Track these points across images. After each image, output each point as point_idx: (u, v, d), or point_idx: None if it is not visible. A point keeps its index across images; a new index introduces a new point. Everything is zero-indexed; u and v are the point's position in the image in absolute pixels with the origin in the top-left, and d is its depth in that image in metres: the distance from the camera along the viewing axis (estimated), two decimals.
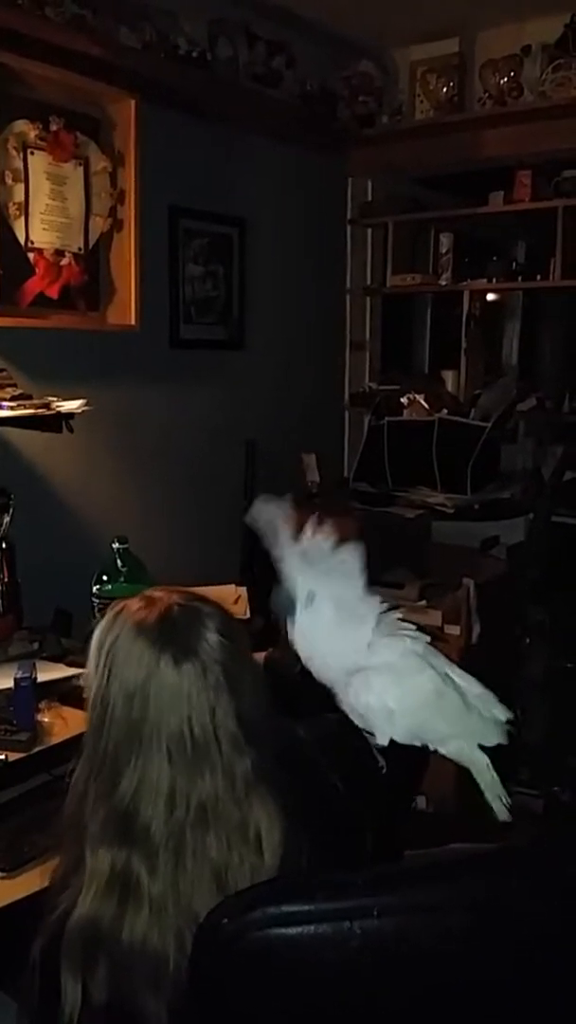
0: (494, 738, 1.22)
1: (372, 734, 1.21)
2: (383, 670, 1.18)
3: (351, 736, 1.24)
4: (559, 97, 2.91)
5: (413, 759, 1.30)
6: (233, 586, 2.56)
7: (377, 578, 2.97)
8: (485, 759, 1.21)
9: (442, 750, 1.23)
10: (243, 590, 2.53)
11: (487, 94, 3.12)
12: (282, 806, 0.99)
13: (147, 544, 2.53)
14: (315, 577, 1.21)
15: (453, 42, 3.19)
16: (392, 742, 1.21)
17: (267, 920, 0.82)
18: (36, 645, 1.97)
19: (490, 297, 4.00)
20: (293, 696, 1.38)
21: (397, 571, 2.93)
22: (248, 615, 2.43)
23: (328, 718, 1.25)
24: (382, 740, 1.21)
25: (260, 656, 1.42)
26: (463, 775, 2.73)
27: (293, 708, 1.21)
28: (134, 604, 1.05)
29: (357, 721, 1.21)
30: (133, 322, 2.50)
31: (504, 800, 1.21)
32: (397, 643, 1.21)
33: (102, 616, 1.76)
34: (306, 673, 1.35)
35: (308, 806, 1.02)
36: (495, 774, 1.22)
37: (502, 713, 1.23)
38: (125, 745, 0.99)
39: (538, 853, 0.92)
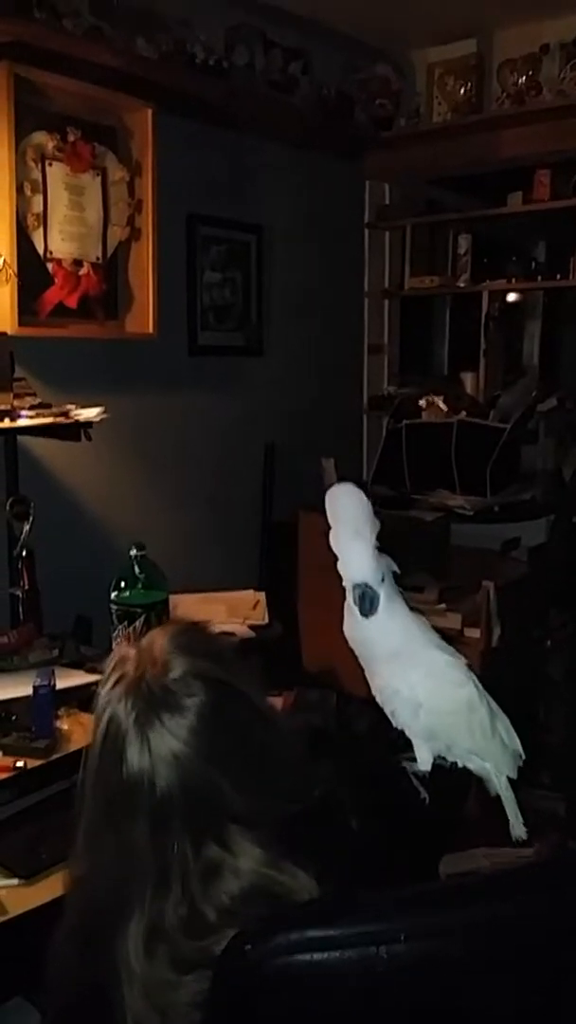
0: (510, 770, 1.22)
1: (411, 758, 1.21)
2: (424, 666, 1.19)
3: (389, 769, 1.21)
4: None
5: (456, 788, 1.27)
6: (252, 591, 2.58)
7: (398, 581, 2.98)
8: (506, 782, 1.22)
9: (460, 764, 1.24)
10: (262, 595, 2.55)
11: (505, 94, 3.11)
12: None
13: (167, 550, 2.54)
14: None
15: (470, 43, 3.18)
16: (435, 770, 1.20)
17: (290, 946, 0.80)
18: (56, 652, 1.99)
19: (511, 298, 3.99)
20: (328, 731, 1.37)
21: (417, 574, 2.92)
22: (267, 620, 2.44)
23: (365, 747, 1.23)
24: (396, 723, 1.21)
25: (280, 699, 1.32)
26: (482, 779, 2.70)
27: (329, 743, 1.19)
28: (125, 672, 0.96)
29: (379, 701, 1.21)
30: (151, 330, 2.52)
31: (519, 819, 1.22)
32: (446, 652, 1.22)
33: (120, 623, 1.80)
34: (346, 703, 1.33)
35: (328, 859, 0.94)
36: (511, 794, 1.23)
37: (519, 749, 1.24)
38: (86, 844, 0.94)
39: (559, 871, 0.91)
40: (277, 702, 1.28)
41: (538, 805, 2.83)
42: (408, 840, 1.13)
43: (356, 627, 1.19)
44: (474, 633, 2.70)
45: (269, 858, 0.91)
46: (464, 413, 3.10)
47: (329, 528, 1.18)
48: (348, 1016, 0.82)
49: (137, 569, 1.81)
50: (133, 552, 1.82)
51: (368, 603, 1.15)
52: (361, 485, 3.50)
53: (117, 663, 0.97)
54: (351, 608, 1.17)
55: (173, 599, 2.23)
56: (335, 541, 1.16)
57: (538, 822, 2.77)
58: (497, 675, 2.73)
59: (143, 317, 2.51)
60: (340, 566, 1.16)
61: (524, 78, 3.02)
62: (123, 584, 1.82)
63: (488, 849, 2.26)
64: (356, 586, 1.15)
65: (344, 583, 1.17)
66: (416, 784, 1.20)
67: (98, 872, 0.93)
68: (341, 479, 3.21)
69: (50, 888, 1.31)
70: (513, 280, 3.38)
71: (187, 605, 2.34)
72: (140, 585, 1.81)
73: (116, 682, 0.95)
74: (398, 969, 0.79)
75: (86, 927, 0.93)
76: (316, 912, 0.87)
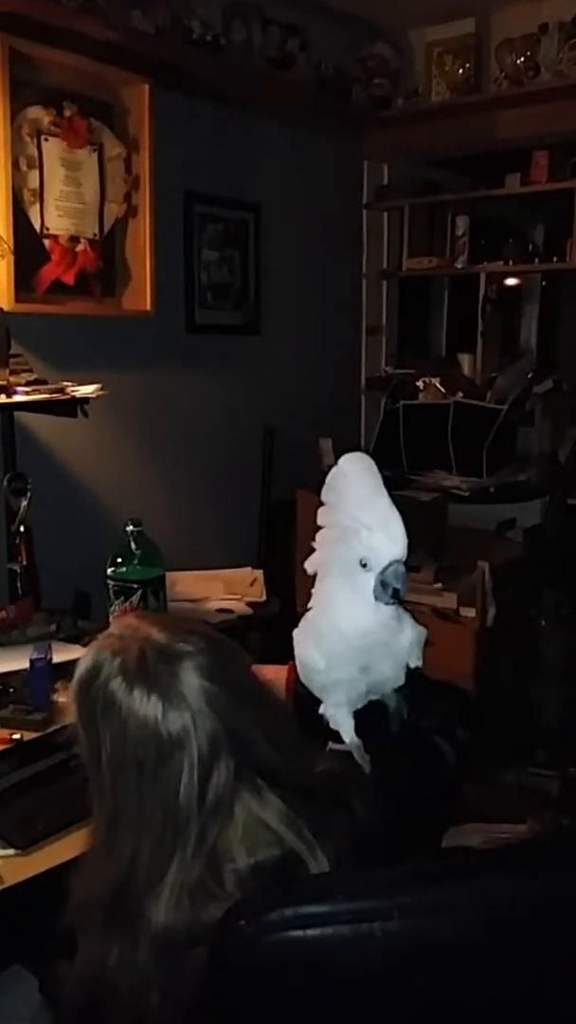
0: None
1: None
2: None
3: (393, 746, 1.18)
4: None
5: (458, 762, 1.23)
6: (250, 569, 2.59)
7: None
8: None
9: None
10: (259, 573, 2.56)
11: (504, 74, 3.09)
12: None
13: (166, 527, 2.55)
14: None
15: (469, 22, 3.17)
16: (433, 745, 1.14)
17: (285, 922, 0.80)
18: (54, 627, 2.00)
19: (511, 281, 3.98)
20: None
21: (414, 554, 2.93)
22: (265, 597, 2.46)
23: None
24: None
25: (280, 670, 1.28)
26: (481, 758, 2.72)
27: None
28: (110, 644, 0.96)
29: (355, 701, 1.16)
30: (149, 307, 2.52)
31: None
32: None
33: (116, 599, 1.81)
34: None
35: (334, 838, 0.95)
36: None
37: None
38: (115, 815, 0.93)
39: (554, 850, 0.91)
40: (280, 671, 1.26)
41: (533, 783, 2.86)
42: (412, 822, 1.12)
43: (375, 614, 1.05)
44: (469, 613, 2.72)
45: (292, 817, 0.92)
46: (460, 394, 3.10)
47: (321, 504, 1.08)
48: (342, 991, 0.83)
49: (133, 545, 1.82)
50: (129, 528, 1.83)
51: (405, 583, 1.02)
52: None
53: (97, 652, 0.97)
54: (365, 593, 1.03)
55: (172, 576, 2.24)
56: (352, 511, 1.04)
57: (532, 800, 2.81)
58: (492, 654, 2.76)
59: (140, 294, 2.51)
60: (355, 541, 1.03)
61: (522, 58, 3.00)
62: (119, 560, 1.83)
63: (480, 824, 2.29)
64: (393, 562, 1.02)
65: (342, 563, 1.05)
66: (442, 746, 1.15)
67: (134, 839, 0.92)
68: (338, 460, 3.25)
69: (46, 858, 1.32)
70: (510, 262, 3.37)
71: (186, 582, 2.35)
72: (136, 561, 1.82)
73: (119, 668, 0.94)
74: (391, 946, 0.80)
75: (117, 901, 0.93)
76: (310, 888, 0.88)
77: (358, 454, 1.10)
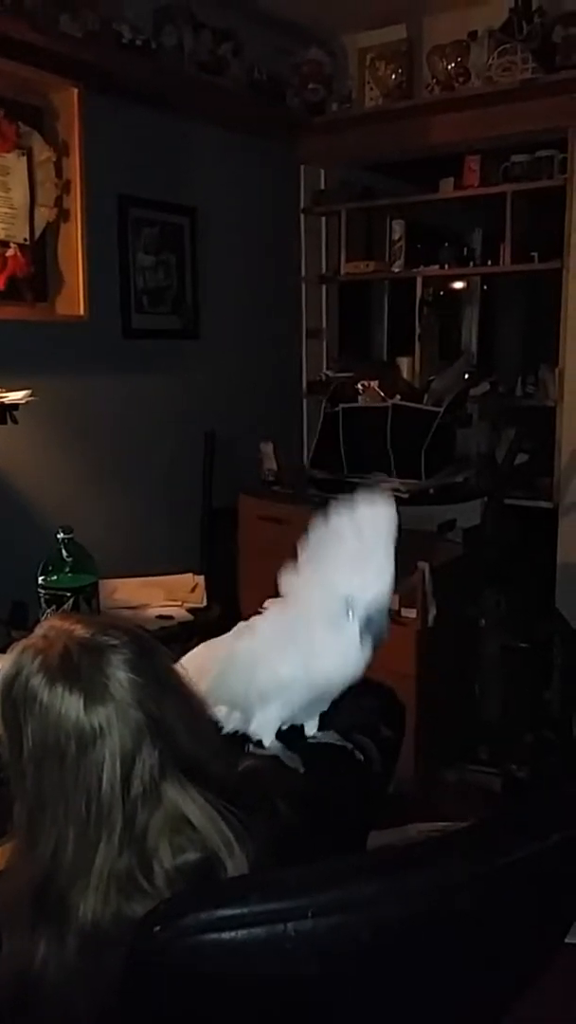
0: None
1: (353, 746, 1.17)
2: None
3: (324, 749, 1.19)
4: (505, 82, 2.93)
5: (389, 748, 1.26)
6: (191, 575, 2.58)
7: None
8: None
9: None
10: (201, 579, 2.54)
11: (435, 80, 3.13)
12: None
13: (105, 535, 2.53)
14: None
15: (400, 28, 3.20)
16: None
17: (200, 926, 0.80)
18: None
19: (458, 285, 4.04)
20: None
21: None
22: (206, 603, 2.44)
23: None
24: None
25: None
26: (424, 758, 2.74)
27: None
28: (33, 643, 0.97)
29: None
30: (82, 312, 2.49)
31: None
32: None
33: (48, 607, 1.78)
34: None
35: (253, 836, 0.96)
36: None
37: None
38: (38, 808, 0.93)
39: (468, 843, 0.93)
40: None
41: (474, 780, 2.90)
42: (336, 821, 1.12)
43: (362, 657, 1.08)
44: (411, 613, 2.74)
45: (213, 815, 0.93)
46: (399, 397, 3.13)
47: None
48: (262, 993, 0.83)
49: (64, 553, 1.79)
50: (60, 535, 1.81)
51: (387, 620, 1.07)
52: (300, 469, 3.49)
53: (19, 653, 0.97)
54: (353, 640, 1.06)
55: (112, 583, 2.22)
56: (355, 555, 1.05)
57: (474, 796, 2.83)
58: (434, 654, 2.79)
59: (73, 299, 2.49)
60: (343, 583, 1.05)
61: (453, 64, 3.04)
62: (50, 568, 1.81)
63: (422, 825, 2.30)
64: (374, 601, 1.05)
65: (326, 612, 1.06)
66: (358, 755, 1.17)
67: (58, 830, 0.93)
68: (280, 464, 3.25)
69: None
70: (446, 266, 3.41)
71: (126, 589, 2.33)
72: (68, 569, 1.80)
73: (40, 665, 0.94)
74: (308, 945, 0.80)
75: (43, 894, 0.93)
76: (225, 891, 0.87)
77: (383, 505, 1.11)
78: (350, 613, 1.05)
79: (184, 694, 1.00)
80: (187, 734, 0.95)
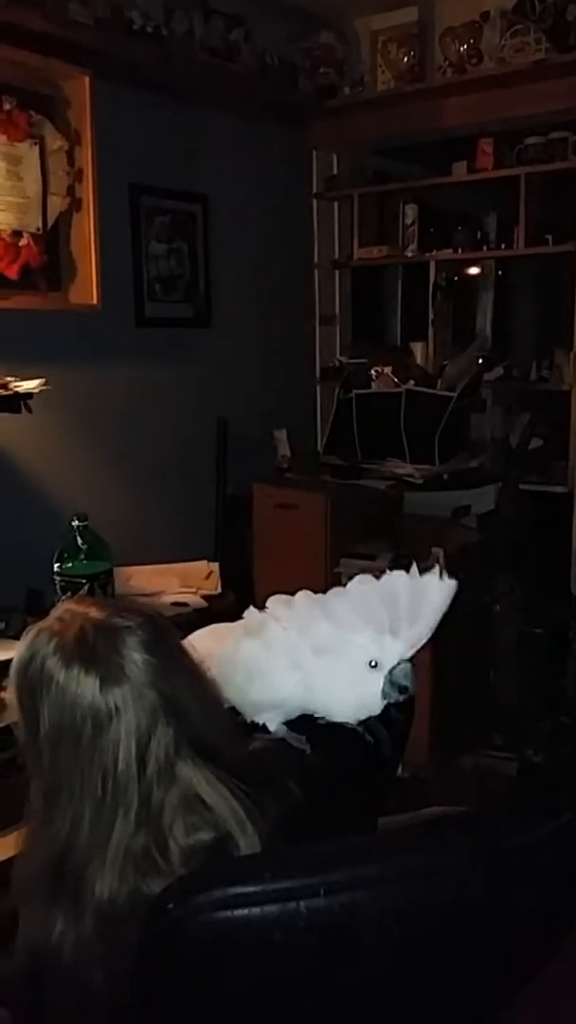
0: None
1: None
2: None
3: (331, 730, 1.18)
4: (518, 63, 2.90)
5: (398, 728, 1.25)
6: (205, 562, 2.59)
7: (351, 550, 2.99)
8: None
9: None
10: (215, 566, 2.56)
11: (447, 62, 3.11)
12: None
13: (120, 522, 2.54)
14: None
15: (412, 10, 3.17)
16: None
17: (213, 903, 0.81)
18: (3, 624, 1.99)
19: (473, 270, 4.01)
20: None
21: (371, 543, 2.96)
22: (220, 590, 2.46)
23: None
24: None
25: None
26: (440, 743, 2.74)
27: None
28: (48, 625, 0.99)
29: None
30: (95, 301, 2.50)
31: None
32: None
33: (64, 594, 1.80)
34: None
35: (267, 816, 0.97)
36: None
37: None
38: (55, 788, 0.95)
39: (471, 824, 0.93)
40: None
41: (490, 765, 2.90)
42: (347, 804, 1.14)
43: (378, 708, 1.09)
44: None
45: (226, 795, 0.94)
46: (412, 383, 3.12)
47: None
48: (274, 970, 0.84)
49: (79, 540, 1.81)
50: (75, 523, 1.82)
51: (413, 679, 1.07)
52: (314, 455, 3.47)
53: (35, 636, 0.98)
54: (373, 690, 1.06)
55: (127, 570, 2.24)
56: (403, 617, 1.04)
57: (491, 781, 2.83)
58: (448, 640, 2.78)
59: (86, 288, 2.49)
60: (370, 643, 1.05)
61: (465, 46, 3.02)
62: (66, 555, 1.82)
63: (438, 810, 2.31)
64: (401, 662, 1.05)
65: (351, 660, 1.06)
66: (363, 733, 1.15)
67: (74, 808, 0.94)
68: (293, 450, 3.26)
69: None
70: (459, 250, 3.39)
71: (141, 576, 2.35)
72: (82, 556, 1.81)
73: (56, 647, 0.95)
74: (320, 922, 0.81)
75: (60, 872, 0.94)
76: (239, 869, 0.89)
77: (450, 581, 1.08)
78: (375, 666, 1.05)
79: (197, 676, 1.01)
80: (200, 715, 0.97)
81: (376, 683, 1.05)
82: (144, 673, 0.93)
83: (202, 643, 1.15)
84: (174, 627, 1.02)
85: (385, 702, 1.07)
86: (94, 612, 0.98)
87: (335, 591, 1.11)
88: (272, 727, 1.12)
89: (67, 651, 0.94)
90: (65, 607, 1.02)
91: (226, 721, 1.02)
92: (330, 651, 1.08)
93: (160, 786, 0.93)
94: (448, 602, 1.06)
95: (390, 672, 1.05)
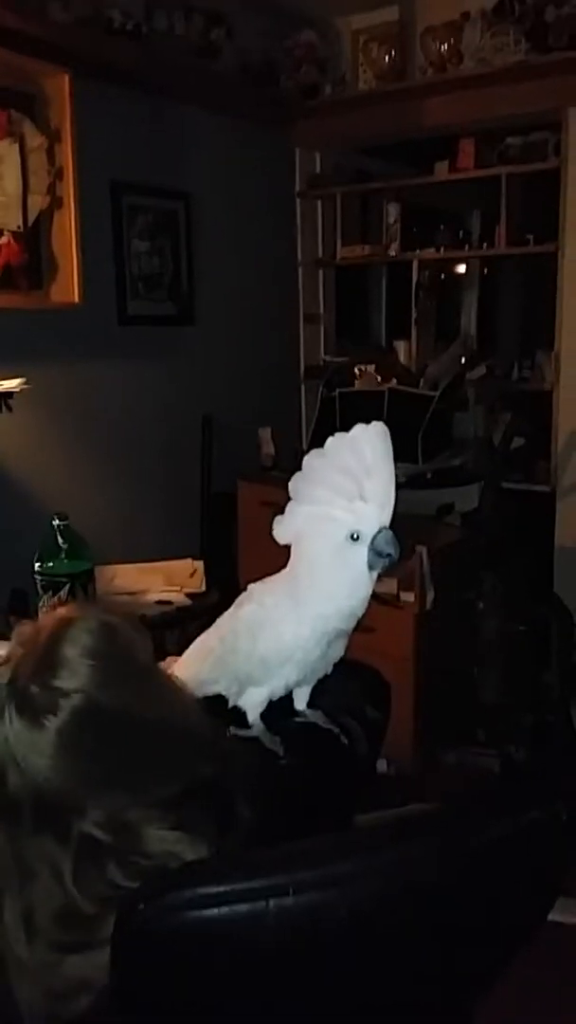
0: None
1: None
2: None
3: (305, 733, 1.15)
4: (498, 63, 2.91)
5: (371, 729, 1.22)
6: (190, 560, 2.59)
7: None
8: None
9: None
10: (199, 564, 2.56)
11: (428, 62, 3.11)
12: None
13: (104, 521, 2.55)
14: None
15: (393, 9, 3.18)
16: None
17: (182, 903, 0.81)
18: None
19: (460, 269, 4.03)
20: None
21: None
22: (204, 588, 2.46)
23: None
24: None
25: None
26: (423, 740, 2.74)
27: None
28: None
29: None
30: (77, 299, 2.50)
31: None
32: None
33: (45, 593, 1.79)
34: None
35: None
36: None
37: None
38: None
39: (440, 821, 0.93)
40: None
41: (473, 762, 2.91)
42: (312, 808, 1.09)
43: (369, 585, 1.04)
44: (409, 597, 2.75)
45: (172, 836, 0.89)
46: (395, 381, 3.13)
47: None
48: (242, 969, 0.84)
49: (60, 539, 1.80)
50: (55, 522, 1.81)
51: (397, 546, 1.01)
52: (298, 453, 3.50)
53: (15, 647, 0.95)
54: (359, 566, 1.01)
55: (111, 569, 2.23)
56: (344, 482, 1.01)
57: (473, 778, 2.84)
58: (432, 638, 2.80)
59: (68, 286, 2.49)
60: (343, 514, 1.00)
61: (446, 46, 3.03)
62: (46, 555, 1.81)
63: (420, 806, 2.32)
64: (381, 529, 0.99)
65: (329, 539, 1.01)
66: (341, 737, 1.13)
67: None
68: (278, 449, 3.26)
69: None
70: (442, 249, 3.40)
71: (125, 575, 2.35)
72: (63, 555, 1.80)
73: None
74: (288, 921, 0.81)
75: None
76: (207, 870, 0.88)
77: (377, 424, 1.06)
78: (356, 539, 1.00)
79: (142, 727, 0.93)
80: (131, 772, 0.90)
81: (360, 556, 1.01)
82: (59, 753, 0.87)
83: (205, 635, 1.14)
84: (145, 652, 0.96)
85: (375, 573, 1.02)
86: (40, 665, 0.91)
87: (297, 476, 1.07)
88: (255, 709, 1.10)
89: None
90: (23, 632, 0.97)
91: (181, 755, 0.94)
92: (307, 535, 1.04)
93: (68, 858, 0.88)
94: (390, 442, 1.02)
95: (372, 541, 1.00)
